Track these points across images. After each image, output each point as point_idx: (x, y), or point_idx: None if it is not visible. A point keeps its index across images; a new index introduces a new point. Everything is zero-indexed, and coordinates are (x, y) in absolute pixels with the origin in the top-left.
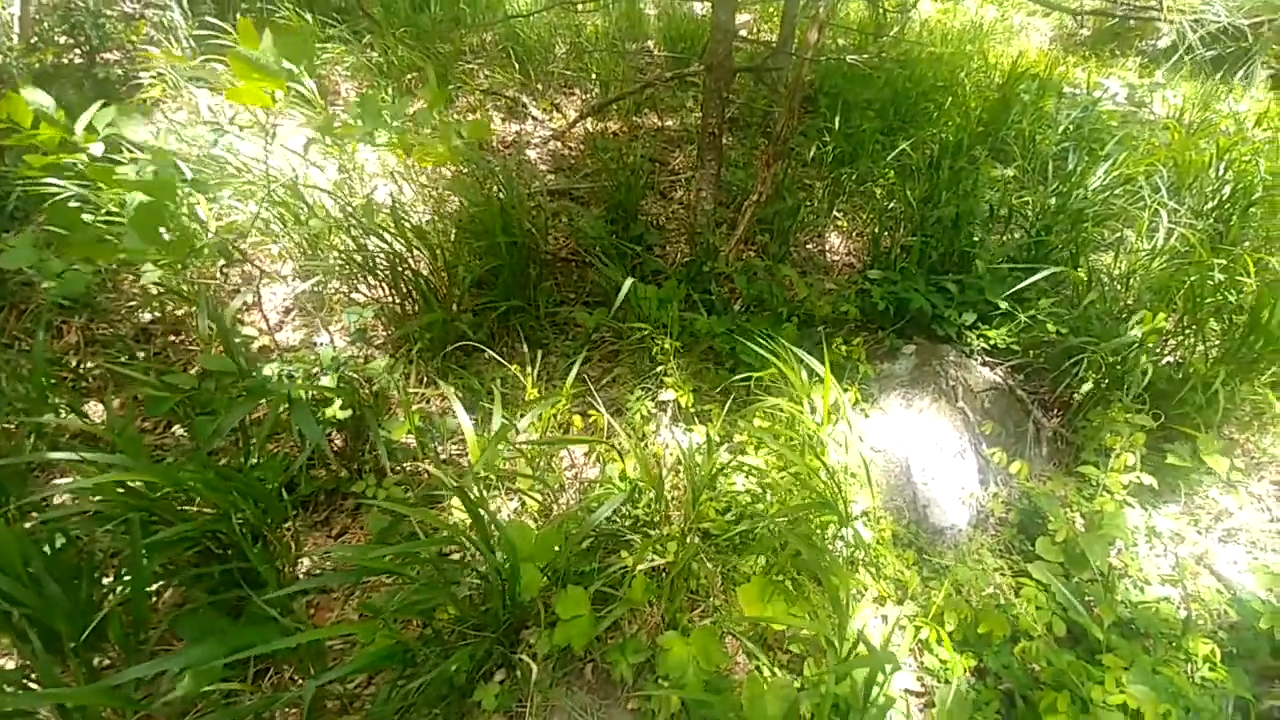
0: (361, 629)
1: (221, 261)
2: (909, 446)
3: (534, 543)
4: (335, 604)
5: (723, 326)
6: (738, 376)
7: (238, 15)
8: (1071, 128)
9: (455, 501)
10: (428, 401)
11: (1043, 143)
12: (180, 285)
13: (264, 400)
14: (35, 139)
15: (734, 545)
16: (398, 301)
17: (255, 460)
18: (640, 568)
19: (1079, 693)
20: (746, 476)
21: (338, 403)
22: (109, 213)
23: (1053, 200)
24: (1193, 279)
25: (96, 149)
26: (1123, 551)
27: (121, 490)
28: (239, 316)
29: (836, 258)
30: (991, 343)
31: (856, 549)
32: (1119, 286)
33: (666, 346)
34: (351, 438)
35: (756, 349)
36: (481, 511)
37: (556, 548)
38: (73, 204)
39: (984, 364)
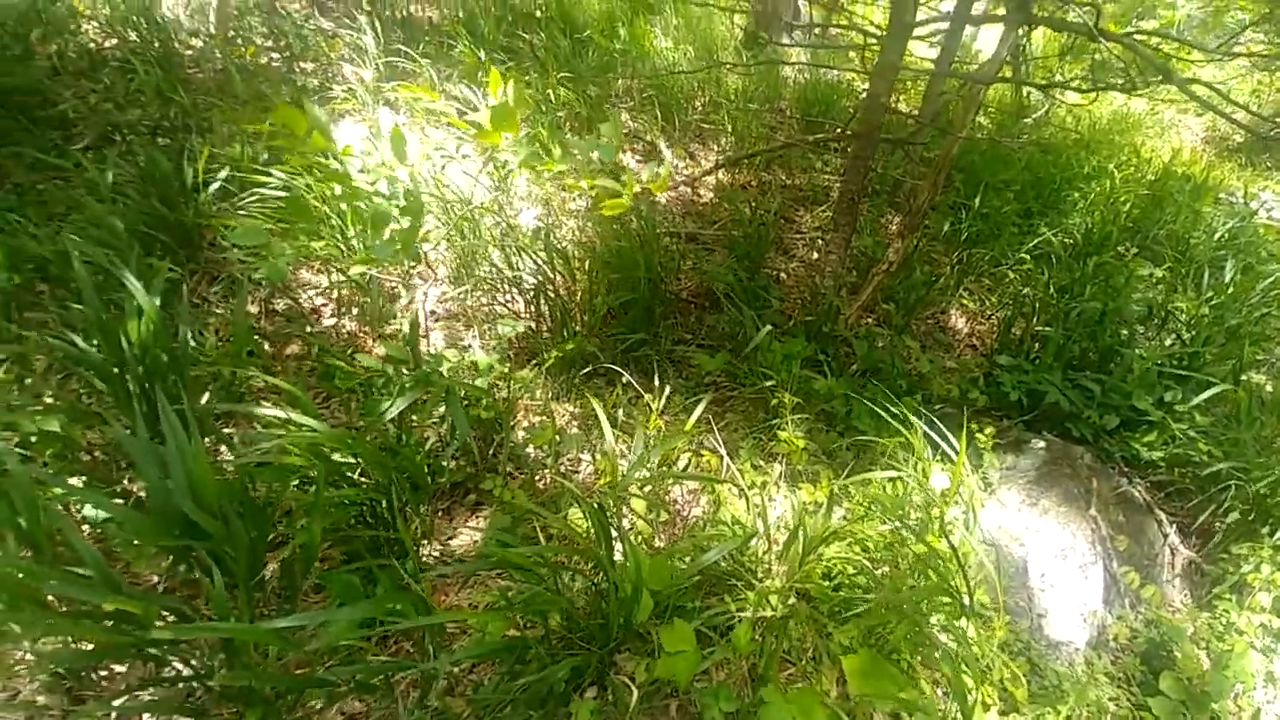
0: (489, 618)
1: (409, 263)
2: (1028, 548)
3: (654, 571)
4: (451, 589)
5: (841, 389)
6: (851, 440)
7: (420, 45)
8: (1227, 236)
9: (574, 514)
10: (553, 417)
11: (1196, 246)
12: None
13: (427, 390)
14: (305, 148)
15: (834, 614)
16: (536, 319)
17: (408, 442)
18: (747, 615)
19: None
20: (852, 546)
21: (483, 403)
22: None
23: (1207, 310)
24: None
25: (353, 165)
26: (1239, 696)
27: (308, 449)
28: (399, 313)
29: (960, 339)
30: (1134, 452)
31: (964, 645)
32: (1274, 415)
33: (786, 400)
34: (484, 439)
35: (877, 414)
36: (609, 527)
37: (671, 578)
38: (305, 200)
39: (1122, 474)
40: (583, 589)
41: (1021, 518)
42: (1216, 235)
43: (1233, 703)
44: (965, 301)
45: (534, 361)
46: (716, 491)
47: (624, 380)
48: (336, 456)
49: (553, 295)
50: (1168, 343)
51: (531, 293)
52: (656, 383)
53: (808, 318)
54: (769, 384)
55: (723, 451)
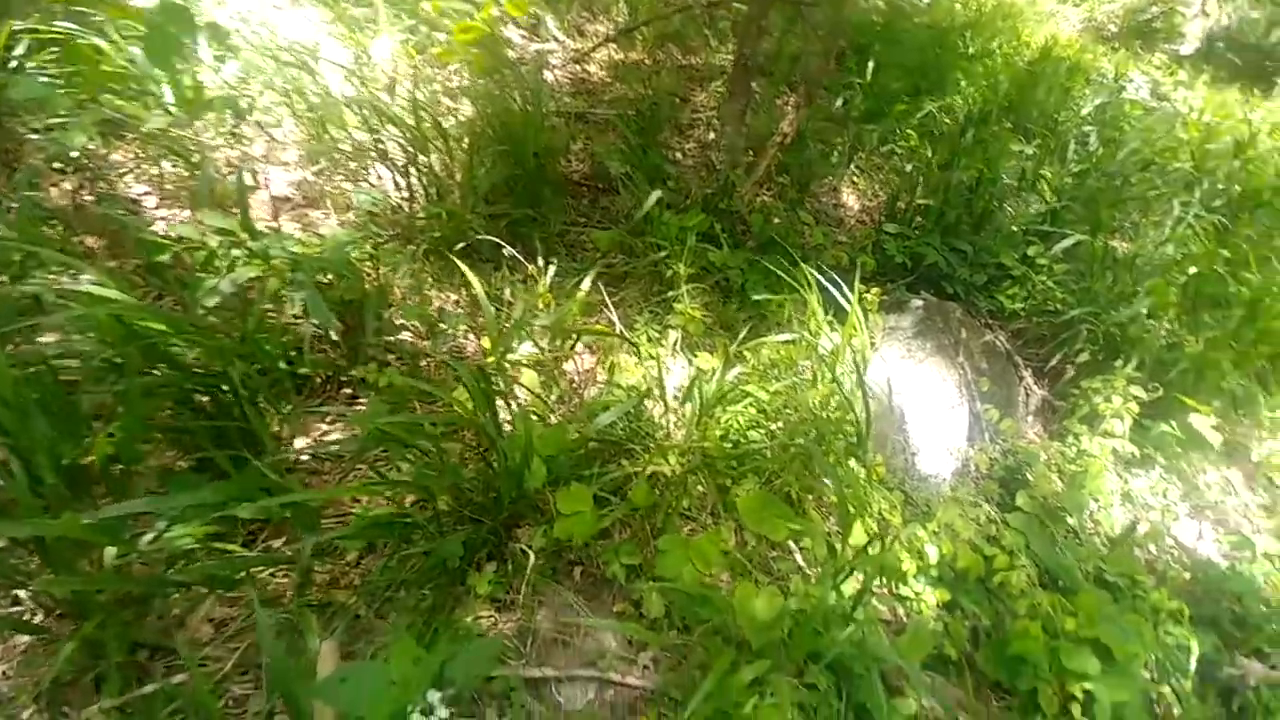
0: (360, 492)
1: (231, 122)
2: (905, 396)
3: (541, 437)
4: (328, 483)
5: (738, 261)
6: (750, 312)
7: None
8: (1095, 113)
9: (460, 396)
10: (431, 301)
11: (1065, 122)
12: (183, 144)
13: (264, 271)
14: None
15: (732, 470)
16: (408, 196)
17: (251, 326)
18: (644, 471)
19: (1051, 626)
20: (748, 408)
21: (344, 283)
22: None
23: (1070, 180)
24: (1198, 267)
25: None
26: (1096, 512)
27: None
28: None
29: (851, 215)
30: (999, 305)
31: (849, 482)
32: (1126, 270)
33: (680, 271)
34: (352, 325)
35: (773, 284)
36: (491, 394)
37: (563, 443)
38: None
39: (986, 325)
40: (472, 462)
41: (901, 370)
42: (1084, 111)
43: (1090, 519)
44: (857, 180)
45: (409, 244)
46: (610, 362)
47: (508, 257)
48: (173, 349)
49: (425, 168)
50: (1034, 209)
51: (403, 166)
52: (542, 262)
53: (706, 191)
54: (664, 255)
55: (619, 324)
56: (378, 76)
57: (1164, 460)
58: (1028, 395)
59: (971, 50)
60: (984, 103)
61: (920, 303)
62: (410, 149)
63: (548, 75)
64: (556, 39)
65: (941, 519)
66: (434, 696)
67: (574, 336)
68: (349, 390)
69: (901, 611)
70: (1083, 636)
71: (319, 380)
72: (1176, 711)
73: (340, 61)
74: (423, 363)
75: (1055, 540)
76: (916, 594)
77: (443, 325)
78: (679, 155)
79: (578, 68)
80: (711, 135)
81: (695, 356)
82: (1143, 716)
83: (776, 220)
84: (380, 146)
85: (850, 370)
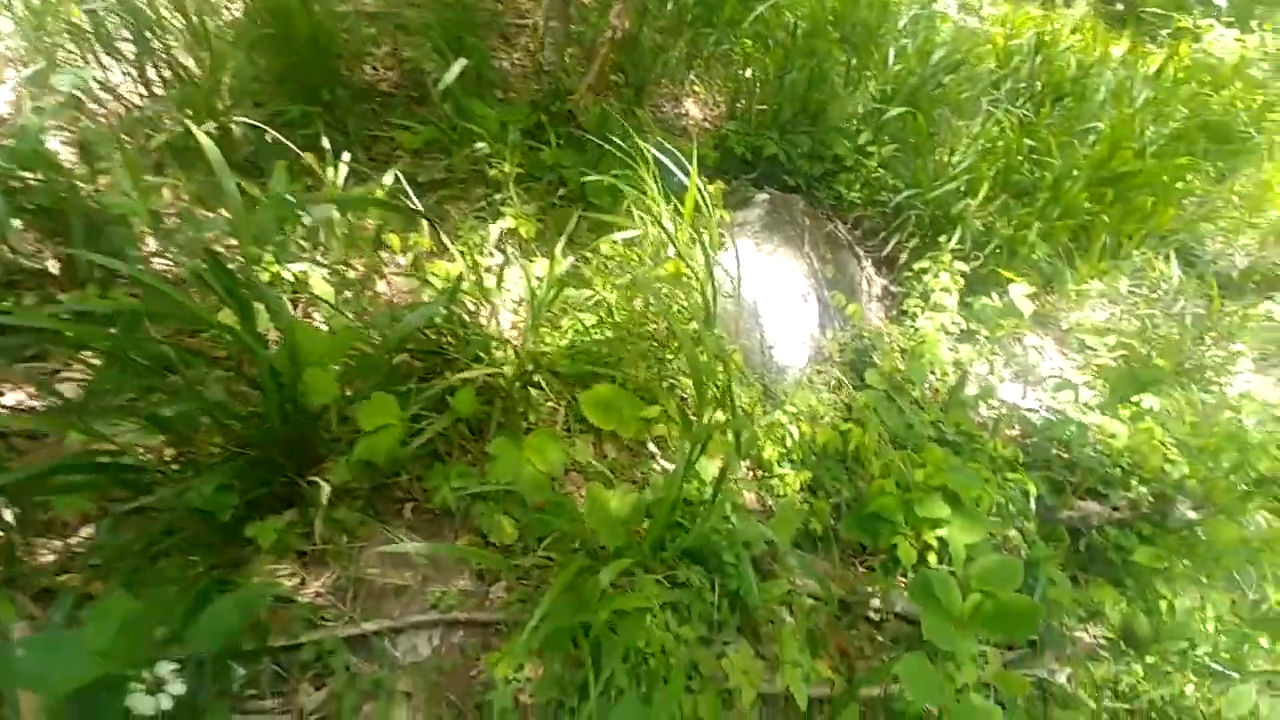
0: (45, 422)
1: None
2: (758, 290)
3: (324, 345)
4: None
5: (571, 160)
6: (592, 217)
7: None
8: (910, 24)
9: (226, 319)
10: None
11: (885, 34)
12: None
13: None
14: None
15: (580, 374)
16: (143, 87)
17: None
18: (466, 375)
19: (903, 480)
20: (594, 310)
21: (31, 177)
22: None
23: (891, 81)
24: (1005, 156)
25: None
26: (935, 382)
27: None
28: None
29: (694, 123)
30: (837, 195)
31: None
32: (945, 156)
33: (506, 169)
34: (57, 231)
35: (614, 187)
36: (240, 291)
37: (341, 350)
38: None
39: (827, 217)
40: (244, 396)
41: (752, 263)
42: (901, 24)
43: (929, 388)
44: (697, 89)
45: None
46: (425, 267)
47: (292, 159)
48: None
49: (165, 56)
50: (861, 108)
51: (136, 56)
52: (330, 152)
53: (535, 94)
54: (483, 150)
55: (420, 207)
56: None
57: (987, 331)
58: (869, 284)
59: None
60: (812, 15)
61: (765, 196)
62: (148, 34)
63: None
64: None
65: (798, 402)
66: (165, 668)
67: (372, 234)
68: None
69: (770, 501)
70: (932, 485)
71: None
72: (1025, 553)
73: None
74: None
75: (902, 410)
76: (781, 478)
77: (186, 231)
78: (507, 65)
79: None
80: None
81: (532, 261)
82: (992, 554)
83: (613, 121)
84: (102, 29)
85: (698, 256)
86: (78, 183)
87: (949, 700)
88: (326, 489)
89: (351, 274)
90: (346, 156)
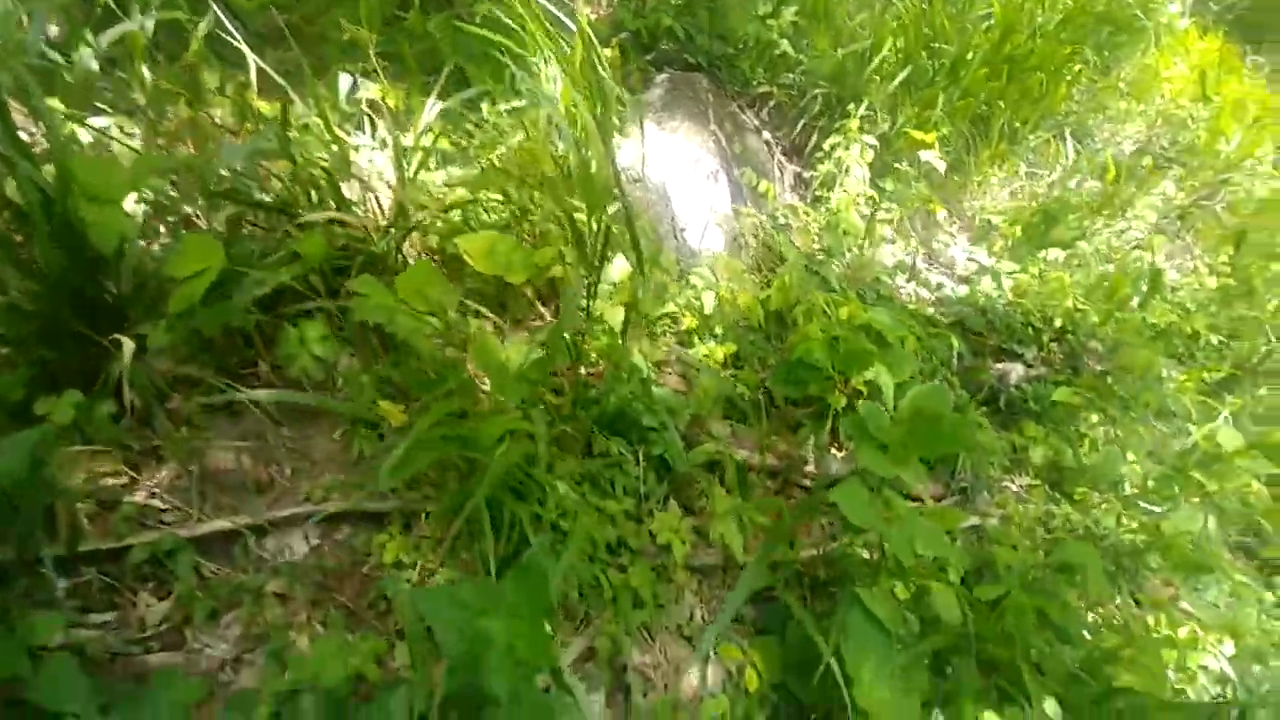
0: None
1: None
2: (665, 169)
3: (111, 175)
4: None
5: (440, 28)
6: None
7: None
8: None
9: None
10: None
11: None
12: None
13: None
14: None
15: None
16: None
17: None
18: (311, 218)
19: (828, 326)
20: (484, 177)
21: None
22: None
23: None
24: (904, 35)
25: None
26: (852, 257)
27: None
28: None
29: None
30: (743, 76)
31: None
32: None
33: (364, 36)
34: None
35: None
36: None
37: (136, 180)
38: None
39: (734, 100)
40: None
41: (656, 144)
42: None
43: (846, 265)
44: None
45: None
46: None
47: None
48: None
49: None
50: None
51: None
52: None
53: None
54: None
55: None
56: None
57: (900, 207)
58: (781, 171)
59: None
60: None
61: (665, 75)
62: None
63: None
64: None
65: (716, 269)
66: None
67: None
68: None
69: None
70: (856, 324)
71: None
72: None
73: None
74: None
75: (824, 278)
76: (705, 353)
77: None
78: None
79: None
80: None
81: (405, 133)
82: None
83: None
84: None
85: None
86: None
87: (885, 523)
88: (130, 345)
89: (166, 125)
90: None
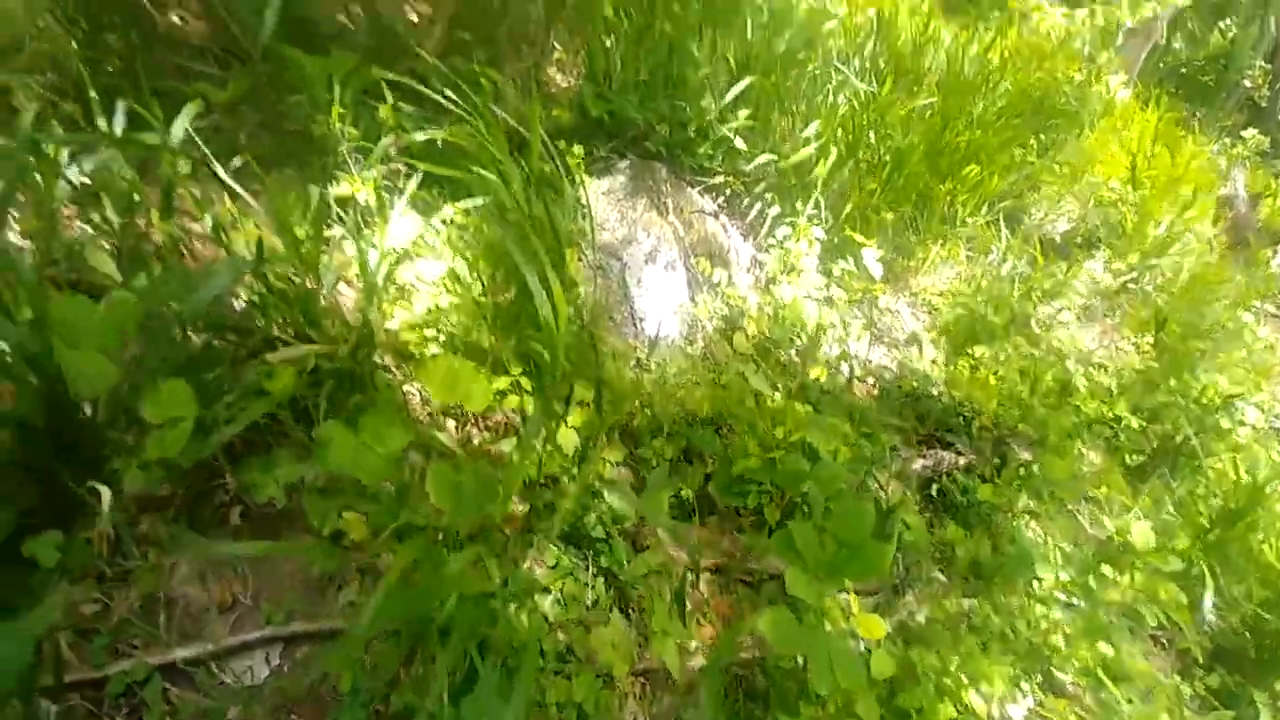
0: None
1: None
2: (625, 259)
3: (94, 320)
4: None
5: (414, 124)
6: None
7: None
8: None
9: None
10: None
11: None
12: None
13: None
14: None
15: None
16: None
17: None
18: (285, 355)
19: (767, 441)
20: (448, 282)
21: None
22: None
23: (749, 53)
24: (854, 128)
25: None
26: (799, 343)
27: None
28: None
29: (559, 91)
30: (699, 162)
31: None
32: (799, 122)
33: (346, 133)
34: None
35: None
36: None
37: (119, 323)
38: None
39: (692, 185)
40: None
41: (617, 233)
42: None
43: (793, 353)
44: (562, 58)
45: None
46: (230, 237)
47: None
48: None
49: None
50: (723, 79)
51: None
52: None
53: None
54: (301, 106)
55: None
56: None
57: (845, 294)
58: (737, 254)
59: None
60: None
61: (627, 163)
62: None
63: None
64: None
65: (668, 369)
66: None
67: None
68: None
69: (644, 473)
70: (793, 441)
71: None
72: (884, 502)
73: None
74: None
75: (768, 374)
76: (655, 450)
77: None
78: (344, 19)
79: None
80: None
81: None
82: (847, 500)
83: (463, 73)
84: None
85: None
86: None
87: (809, 648)
88: (107, 494)
89: (143, 245)
90: (123, 105)
